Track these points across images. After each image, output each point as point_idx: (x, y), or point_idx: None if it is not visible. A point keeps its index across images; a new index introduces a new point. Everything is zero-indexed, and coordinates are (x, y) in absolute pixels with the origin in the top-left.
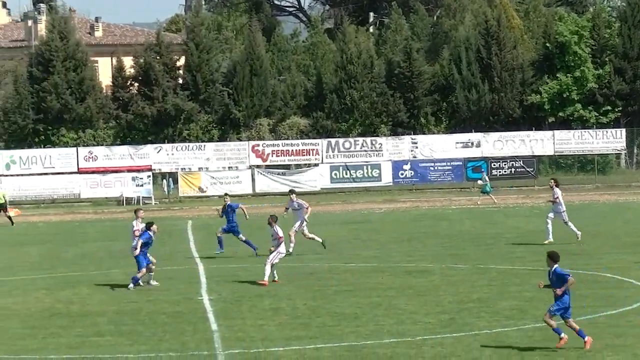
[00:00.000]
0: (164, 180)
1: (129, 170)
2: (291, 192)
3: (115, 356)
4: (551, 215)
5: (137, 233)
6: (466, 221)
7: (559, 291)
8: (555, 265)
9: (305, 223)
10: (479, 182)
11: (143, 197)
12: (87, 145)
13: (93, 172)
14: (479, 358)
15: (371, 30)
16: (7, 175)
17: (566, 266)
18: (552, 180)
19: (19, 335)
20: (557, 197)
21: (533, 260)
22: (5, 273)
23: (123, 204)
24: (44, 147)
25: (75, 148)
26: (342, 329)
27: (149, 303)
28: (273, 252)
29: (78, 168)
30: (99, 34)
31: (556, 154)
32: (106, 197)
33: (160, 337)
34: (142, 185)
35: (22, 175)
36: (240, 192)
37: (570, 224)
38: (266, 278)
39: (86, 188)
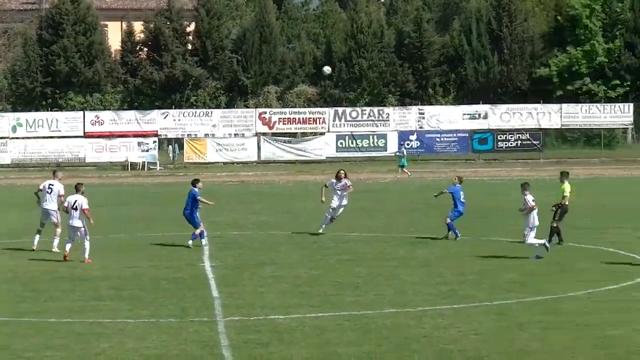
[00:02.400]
0: (170, 146)
1: (135, 135)
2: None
3: (116, 321)
4: None
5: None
6: (470, 193)
7: None
8: None
9: None
10: (397, 153)
11: (148, 162)
12: (94, 110)
13: (99, 137)
14: (479, 330)
15: None
16: (13, 138)
17: (571, 240)
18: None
19: (21, 298)
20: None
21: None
22: (8, 236)
23: (128, 169)
24: (51, 111)
25: (82, 112)
26: (342, 298)
27: (150, 268)
28: None
29: (84, 132)
30: None
31: (563, 127)
32: (111, 162)
33: (161, 303)
34: (147, 151)
35: (28, 138)
36: (246, 160)
37: None
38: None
39: (91, 152)
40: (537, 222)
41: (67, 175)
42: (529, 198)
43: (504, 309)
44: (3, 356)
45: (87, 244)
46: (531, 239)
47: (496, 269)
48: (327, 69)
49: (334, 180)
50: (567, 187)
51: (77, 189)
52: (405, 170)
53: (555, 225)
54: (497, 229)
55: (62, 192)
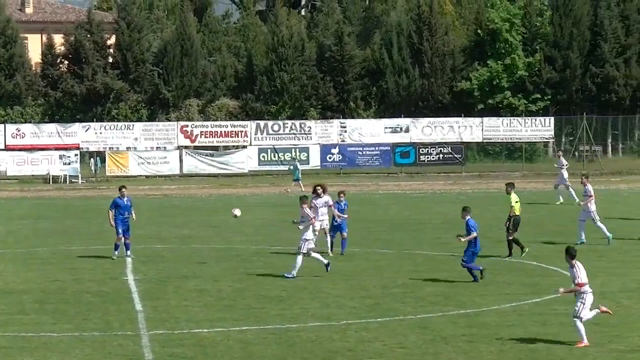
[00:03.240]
0: (92, 159)
1: (57, 149)
2: None
3: (39, 335)
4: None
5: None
6: (393, 206)
7: None
8: None
9: None
10: (291, 167)
11: (70, 175)
12: (15, 122)
13: (20, 150)
14: (404, 343)
15: (303, 13)
16: None
17: (494, 253)
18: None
19: None
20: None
21: (459, 246)
22: None
23: (50, 182)
24: None
25: (2, 125)
26: (267, 312)
27: (74, 282)
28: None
29: (5, 145)
30: (29, 10)
31: (484, 140)
32: (33, 175)
33: (85, 317)
34: (69, 164)
35: None
36: (168, 173)
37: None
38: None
39: (12, 165)
40: (311, 237)
41: None
42: (308, 211)
43: (429, 322)
44: None
45: None
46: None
47: (420, 282)
48: (236, 212)
49: (314, 196)
50: (513, 197)
51: None
52: (300, 184)
53: (511, 238)
54: (420, 242)
55: None
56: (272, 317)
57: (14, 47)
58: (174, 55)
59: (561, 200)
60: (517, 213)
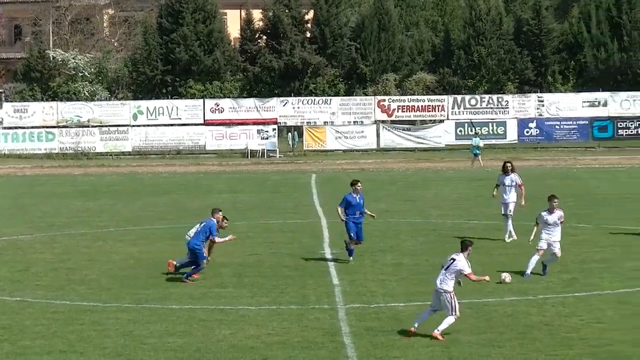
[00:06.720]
0: (289, 134)
1: (255, 123)
2: None
3: (237, 308)
4: None
5: None
6: (591, 181)
7: None
8: None
9: None
10: (473, 143)
11: (268, 150)
12: (214, 97)
13: (219, 124)
14: (601, 319)
15: None
16: (133, 126)
17: None
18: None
19: (142, 285)
20: None
21: None
22: (131, 223)
23: (248, 157)
24: (171, 98)
25: (202, 100)
26: (464, 287)
27: (272, 255)
28: None
29: (204, 120)
30: None
31: None
32: (231, 149)
33: (282, 290)
34: (267, 138)
35: (148, 125)
36: (365, 147)
37: None
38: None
39: (211, 140)
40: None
41: (187, 162)
42: None
43: (629, 297)
44: (125, 342)
45: None
46: None
47: (619, 257)
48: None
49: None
50: None
51: None
52: (478, 159)
53: None
54: (619, 217)
55: None
56: (469, 292)
57: (213, 22)
58: (371, 30)
59: None
60: None
